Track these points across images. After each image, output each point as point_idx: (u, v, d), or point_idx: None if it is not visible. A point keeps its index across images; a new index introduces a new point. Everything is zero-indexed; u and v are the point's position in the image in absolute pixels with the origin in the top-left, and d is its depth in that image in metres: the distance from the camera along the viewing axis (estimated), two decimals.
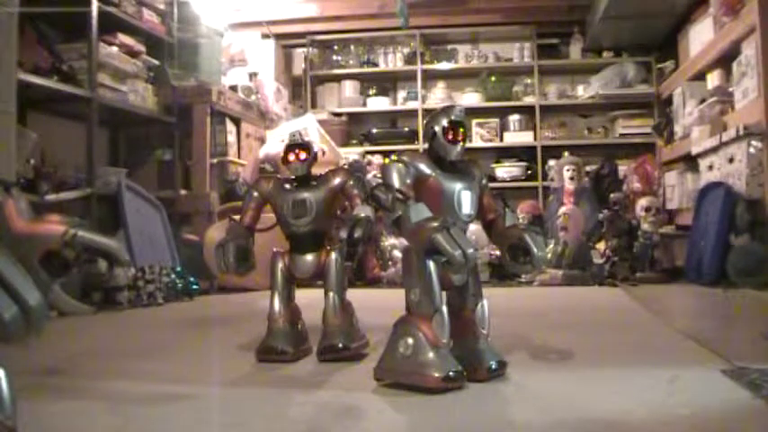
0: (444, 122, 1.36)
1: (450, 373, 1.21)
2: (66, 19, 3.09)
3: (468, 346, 1.31)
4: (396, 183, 1.28)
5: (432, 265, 1.25)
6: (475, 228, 1.51)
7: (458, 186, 1.35)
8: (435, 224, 1.19)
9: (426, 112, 5.71)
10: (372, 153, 5.24)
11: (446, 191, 1.34)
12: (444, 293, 1.29)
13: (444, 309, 1.25)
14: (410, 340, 1.25)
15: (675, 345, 1.72)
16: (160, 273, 2.96)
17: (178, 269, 3.18)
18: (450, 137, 1.36)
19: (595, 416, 1.09)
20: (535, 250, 1.34)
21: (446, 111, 1.40)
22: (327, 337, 1.55)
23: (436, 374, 1.20)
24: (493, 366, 1.30)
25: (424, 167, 1.34)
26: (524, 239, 1.35)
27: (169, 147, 4.02)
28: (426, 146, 1.40)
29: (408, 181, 1.29)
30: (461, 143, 1.37)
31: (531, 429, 1.04)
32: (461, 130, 1.37)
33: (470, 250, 1.18)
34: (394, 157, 1.35)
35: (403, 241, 3.80)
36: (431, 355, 1.22)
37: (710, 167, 3.66)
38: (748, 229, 3.08)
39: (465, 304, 1.34)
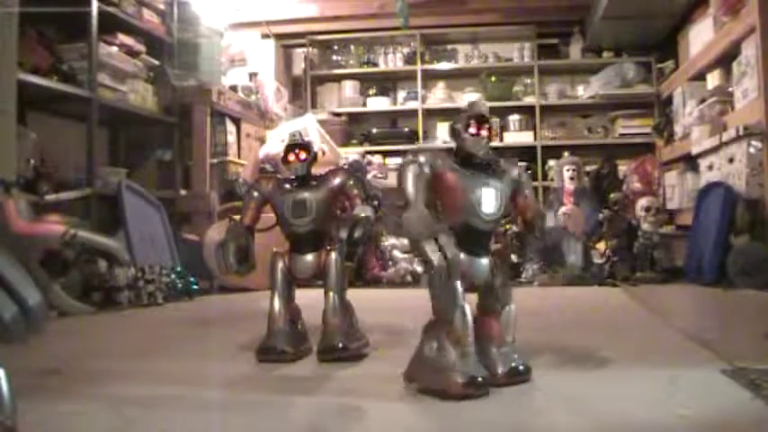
0: (467, 116, 1.32)
1: (476, 379, 1.17)
2: (67, 19, 3.09)
3: (490, 349, 1.28)
4: (409, 188, 1.24)
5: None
6: None
7: (480, 184, 1.30)
8: (430, 230, 1.17)
9: (426, 112, 5.72)
10: (372, 153, 5.24)
11: (466, 188, 1.29)
12: (473, 295, 1.27)
13: (467, 309, 1.20)
14: (435, 343, 1.22)
15: (675, 345, 1.72)
16: (160, 273, 2.96)
17: (178, 269, 3.17)
18: (474, 130, 1.32)
19: (595, 416, 1.09)
20: (570, 254, 1.34)
21: (469, 106, 1.36)
22: (327, 337, 1.55)
23: (459, 380, 1.16)
24: (521, 369, 1.27)
25: (442, 163, 1.30)
26: (563, 244, 1.35)
27: (169, 147, 4.02)
28: (454, 146, 1.36)
29: (420, 186, 1.25)
30: (487, 138, 1.32)
31: (528, 430, 1.04)
32: (486, 124, 1.32)
33: (452, 254, 1.16)
34: (410, 157, 1.31)
35: (403, 241, 3.81)
36: (454, 358, 1.18)
37: (710, 167, 3.66)
38: (748, 229, 3.08)
39: (488, 307, 1.31)
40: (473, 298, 1.31)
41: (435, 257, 1.15)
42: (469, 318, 1.20)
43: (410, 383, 1.25)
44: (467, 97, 5.70)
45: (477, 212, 1.29)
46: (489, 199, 1.30)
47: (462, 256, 1.26)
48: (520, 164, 1.43)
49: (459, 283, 1.20)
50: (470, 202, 1.29)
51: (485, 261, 1.31)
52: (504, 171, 1.36)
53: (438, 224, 1.22)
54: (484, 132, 1.32)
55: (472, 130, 1.32)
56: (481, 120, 1.32)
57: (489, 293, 1.31)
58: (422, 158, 1.29)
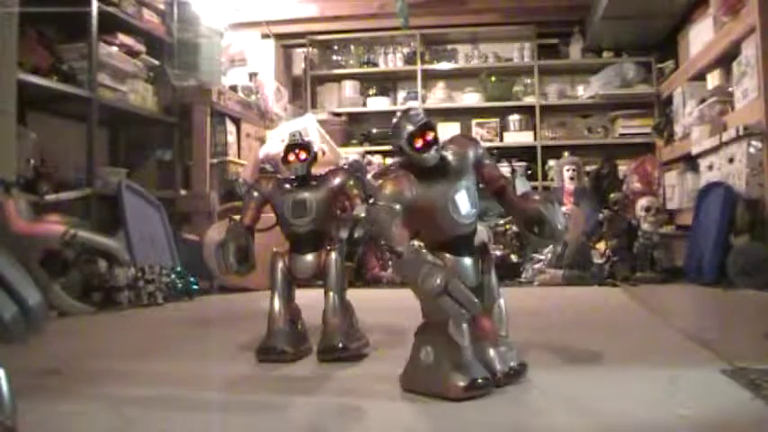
0: (406, 134, 1.25)
1: (476, 381, 1.15)
2: (67, 19, 3.09)
3: (485, 348, 1.25)
4: (393, 237, 1.18)
5: None
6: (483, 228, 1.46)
7: (449, 191, 1.26)
8: (437, 283, 1.09)
9: (426, 112, 5.69)
10: (372, 153, 5.24)
11: (437, 203, 1.25)
12: None
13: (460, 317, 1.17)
14: (429, 348, 1.21)
15: (675, 345, 1.72)
16: (160, 273, 2.96)
17: (178, 269, 3.18)
18: (420, 145, 1.25)
19: (595, 416, 1.09)
20: (554, 223, 1.28)
21: (405, 118, 1.27)
22: (327, 337, 1.55)
23: (460, 384, 1.14)
24: (517, 367, 1.26)
25: (408, 192, 1.23)
26: (542, 214, 1.29)
27: (169, 147, 4.03)
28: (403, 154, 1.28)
29: (398, 226, 1.19)
30: (433, 146, 1.24)
31: (528, 430, 1.04)
32: (430, 131, 1.25)
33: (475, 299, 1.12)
34: (377, 202, 1.23)
35: None
36: (451, 362, 1.17)
37: (710, 167, 3.66)
38: (748, 229, 3.08)
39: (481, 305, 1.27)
40: None
41: (463, 312, 1.10)
42: (464, 325, 1.19)
43: (408, 393, 1.23)
44: (467, 97, 5.72)
45: (456, 220, 1.26)
46: (463, 201, 1.26)
47: (449, 256, 1.25)
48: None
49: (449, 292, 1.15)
50: (448, 215, 1.25)
51: (470, 260, 1.29)
52: (459, 158, 1.29)
53: (439, 263, 1.17)
54: (430, 137, 1.25)
55: (418, 144, 1.25)
56: (422, 130, 1.25)
57: (479, 292, 1.28)
58: (386, 193, 1.22)
